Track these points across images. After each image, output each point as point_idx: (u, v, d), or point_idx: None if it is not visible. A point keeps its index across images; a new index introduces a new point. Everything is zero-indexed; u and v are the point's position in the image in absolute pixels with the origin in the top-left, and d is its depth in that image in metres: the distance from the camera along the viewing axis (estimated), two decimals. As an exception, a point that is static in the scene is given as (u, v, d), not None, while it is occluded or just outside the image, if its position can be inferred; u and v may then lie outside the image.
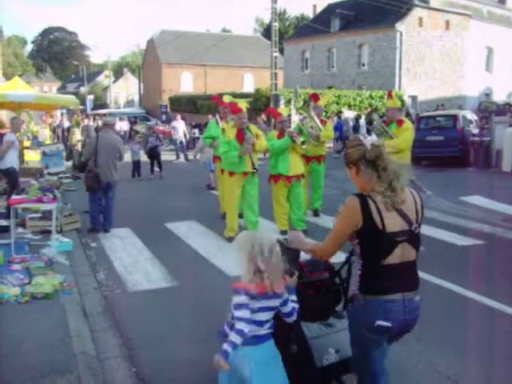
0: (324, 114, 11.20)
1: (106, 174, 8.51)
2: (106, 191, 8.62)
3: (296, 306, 2.97)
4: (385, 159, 2.68)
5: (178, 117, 22.89)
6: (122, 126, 31.24)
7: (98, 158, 8.49)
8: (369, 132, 21.93)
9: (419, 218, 2.72)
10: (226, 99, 9.58)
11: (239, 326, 2.76)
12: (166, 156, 20.69)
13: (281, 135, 7.99)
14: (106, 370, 4.05)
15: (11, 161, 9.24)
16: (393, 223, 2.62)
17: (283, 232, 8.22)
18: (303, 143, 7.93)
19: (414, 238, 2.69)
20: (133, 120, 36.48)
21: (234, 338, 2.75)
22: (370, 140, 2.74)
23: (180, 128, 21.73)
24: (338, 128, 20.97)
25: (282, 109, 10.03)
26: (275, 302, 2.87)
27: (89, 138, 10.98)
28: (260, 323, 2.85)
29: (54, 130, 25.81)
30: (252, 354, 2.82)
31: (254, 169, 7.88)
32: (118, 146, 8.73)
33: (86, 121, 25.14)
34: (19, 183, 9.62)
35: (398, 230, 2.63)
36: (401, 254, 2.66)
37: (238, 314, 2.76)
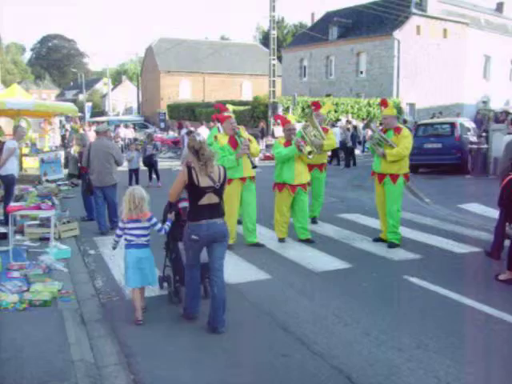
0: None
1: (98, 179, 9.10)
2: (104, 194, 9.15)
3: (167, 227, 5.30)
4: (203, 149, 4.78)
5: (187, 124, 23.32)
6: (127, 133, 31.05)
7: (92, 164, 9.11)
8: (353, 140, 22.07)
9: (221, 180, 4.90)
10: (230, 107, 9.59)
11: (116, 237, 5.31)
12: (165, 163, 20.69)
13: (288, 143, 7.98)
14: (104, 377, 4.05)
15: (11, 168, 9.22)
16: (204, 182, 4.80)
17: (281, 240, 8.23)
18: (310, 153, 7.90)
19: (216, 191, 4.89)
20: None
21: (114, 238, 5.36)
22: (198, 137, 4.85)
23: None
24: None
25: (291, 116, 10.00)
26: (144, 224, 5.15)
27: (83, 146, 11.08)
28: (136, 236, 5.16)
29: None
30: (134, 254, 5.15)
31: (254, 167, 7.83)
32: (109, 151, 9.15)
33: (86, 129, 24.99)
34: (14, 191, 9.59)
35: (206, 185, 4.82)
36: (208, 199, 4.84)
37: (117, 230, 5.35)
